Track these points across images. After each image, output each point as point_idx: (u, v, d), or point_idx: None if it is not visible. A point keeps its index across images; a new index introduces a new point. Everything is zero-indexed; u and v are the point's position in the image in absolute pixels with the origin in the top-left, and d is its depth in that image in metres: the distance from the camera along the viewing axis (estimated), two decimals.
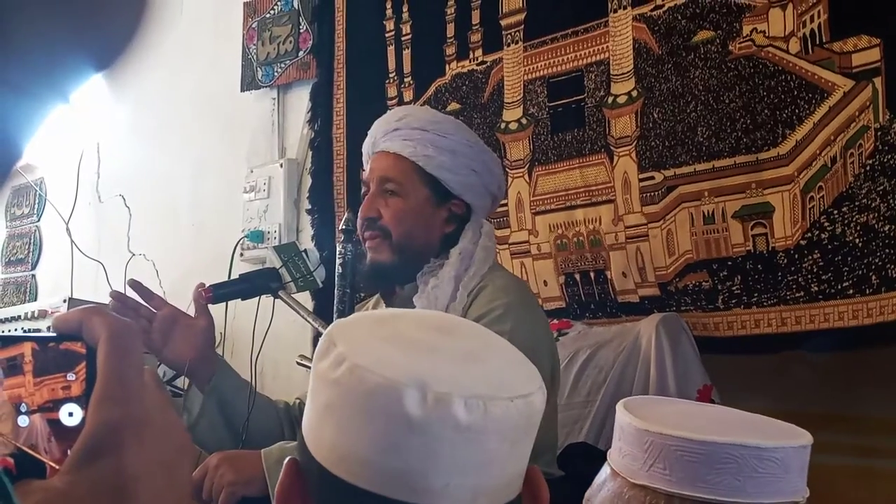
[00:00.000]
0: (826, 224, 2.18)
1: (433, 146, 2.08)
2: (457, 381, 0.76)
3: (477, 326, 0.91)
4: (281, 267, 2.05)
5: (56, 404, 0.66)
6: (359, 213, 2.11)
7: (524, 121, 2.80)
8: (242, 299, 2.10)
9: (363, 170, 2.22)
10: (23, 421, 0.65)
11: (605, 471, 1.19)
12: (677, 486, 1.08)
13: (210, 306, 2.07)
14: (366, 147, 2.21)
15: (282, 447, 1.92)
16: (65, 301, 3.70)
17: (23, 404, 0.65)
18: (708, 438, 1.07)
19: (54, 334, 0.66)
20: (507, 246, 2.82)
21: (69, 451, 0.62)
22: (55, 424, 0.65)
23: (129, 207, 4.24)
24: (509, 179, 2.81)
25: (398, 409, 0.74)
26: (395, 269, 2.09)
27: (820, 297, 2.19)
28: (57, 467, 0.63)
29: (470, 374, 0.78)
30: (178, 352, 2.06)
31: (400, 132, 2.12)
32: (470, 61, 2.97)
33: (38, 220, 4.83)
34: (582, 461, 2.10)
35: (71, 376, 0.65)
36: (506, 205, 2.81)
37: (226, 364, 2.15)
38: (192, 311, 2.10)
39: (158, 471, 0.63)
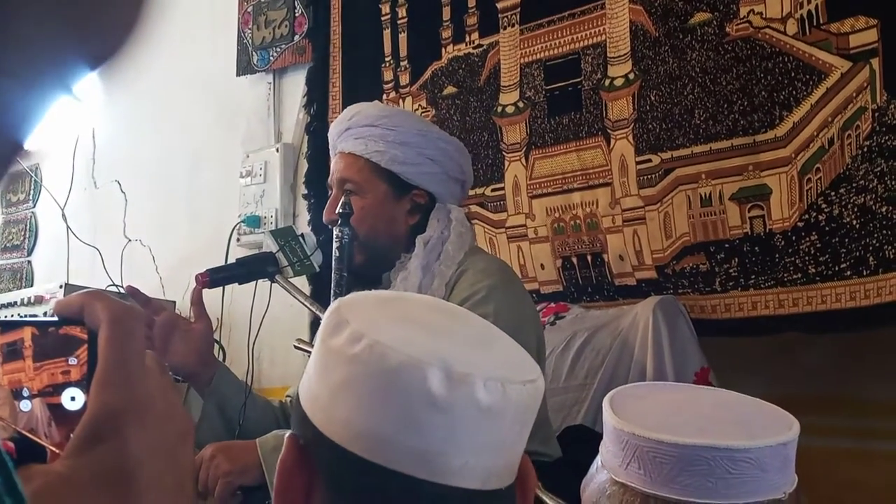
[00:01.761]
0: (823, 206, 2.18)
1: (383, 141, 2.10)
2: (476, 363, 0.76)
3: (474, 315, 0.91)
4: (278, 251, 2.04)
5: (56, 389, 0.66)
6: (323, 218, 2.13)
7: (521, 104, 2.79)
8: (239, 284, 2.10)
9: None
10: (25, 406, 0.65)
11: (598, 461, 1.20)
12: (651, 487, 1.08)
13: (206, 291, 2.07)
14: (330, 151, 2.22)
15: (276, 435, 1.92)
16: (61, 287, 3.69)
17: (24, 389, 0.65)
18: (679, 441, 1.06)
19: (55, 318, 0.65)
20: (503, 230, 2.82)
21: (71, 436, 0.62)
22: (56, 409, 0.65)
23: (124, 193, 4.23)
24: (506, 163, 2.80)
25: (421, 387, 0.74)
26: (367, 267, 2.09)
27: (817, 278, 2.19)
28: (57, 451, 0.63)
29: (486, 357, 0.79)
30: (179, 357, 2.06)
31: (351, 131, 2.14)
32: (466, 45, 2.96)
33: (34, 206, 4.81)
34: (579, 444, 2.10)
35: (73, 360, 0.65)
36: (503, 188, 2.81)
37: (224, 367, 2.16)
38: (188, 295, 2.10)
39: (160, 455, 0.62)
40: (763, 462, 1.07)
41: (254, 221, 3.52)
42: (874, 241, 2.10)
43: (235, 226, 3.47)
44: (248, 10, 3.76)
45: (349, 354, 0.76)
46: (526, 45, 2.79)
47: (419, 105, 3.05)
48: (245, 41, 3.76)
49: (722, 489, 1.06)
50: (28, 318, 0.67)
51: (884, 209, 2.08)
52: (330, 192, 2.17)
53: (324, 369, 0.80)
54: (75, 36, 0.52)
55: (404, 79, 3.13)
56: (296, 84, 3.60)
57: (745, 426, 1.12)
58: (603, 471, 1.16)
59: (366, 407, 0.76)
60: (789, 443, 1.10)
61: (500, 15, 2.86)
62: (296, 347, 1.97)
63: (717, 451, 1.06)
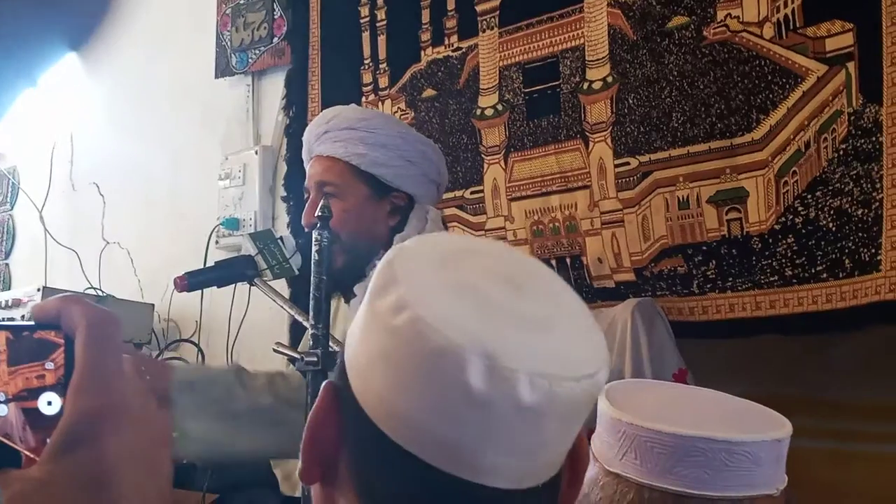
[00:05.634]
0: (800, 208, 2.20)
1: (363, 143, 2.10)
2: (524, 355, 0.69)
3: (548, 280, 0.81)
4: (256, 254, 2.03)
5: (31, 393, 0.65)
6: (302, 221, 2.12)
7: (500, 107, 2.80)
8: (218, 287, 2.09)
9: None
10: (1, 410, 0.64)
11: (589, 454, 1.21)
12: (647, 477, 1.08)
13: (186, 294, 2.06)
14: (304, 154, 2.22)
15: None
16: (39, 290, 3.67)
17: (0, 394, 0.65)
18: (677, 431, 1.07)
19: (32, 323, 0.65)
20: (483, 232, 2.82)
21: (47, 441, 0.62)
22: (31, 413, 0.65)
23: (103, 195, 4.21)
24: (485, 166, 2.81)
25: (460, 377, 0.68)
26: (348, 269, 2.09)
27: (794, 281, 2.21)
28: (32, 456, 0.63)
29: (538, 347, 0.71)
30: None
31: (329, 134, 2.14)
32: (445, 47, 2.96)
33: (12, 208, 4.78)
34: None
35: (49, 365, 0.65)
36: (482, 191, 2.82)
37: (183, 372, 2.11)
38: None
39: (138, 459, 0.62)
40: (759, 456, 1.07)
41: (233, 224, 3.50)
42: (850, 244, 2.11)
43: (214, 228, 3.46)
44: (227, 12, 3.75)
45: (390, 325, 0.70)
46: (505, 48, 2.80)
47: (398, 108, 3.05)
48: (224, 43, 3.75)
49: (718, 481, 1.06)
50: (3, 323, 0.66)
51: (859, 212, 2.10)
52: (307, 196, 2.17)
53: (366, 331, 0.74)
54: (43, 22, 0.52)
55: (383, 81, 3.13)
56: (275, 86, 3.60)
57: (740, 422, 1.12)
58: (594, 463, 1.16)
59: (400, 387, 0.71)
60: (783, 440, 1.10)
61: (479, 18, 2.87)
62: (275, 351, 1.97)
63: (714, 443, 1.06)
